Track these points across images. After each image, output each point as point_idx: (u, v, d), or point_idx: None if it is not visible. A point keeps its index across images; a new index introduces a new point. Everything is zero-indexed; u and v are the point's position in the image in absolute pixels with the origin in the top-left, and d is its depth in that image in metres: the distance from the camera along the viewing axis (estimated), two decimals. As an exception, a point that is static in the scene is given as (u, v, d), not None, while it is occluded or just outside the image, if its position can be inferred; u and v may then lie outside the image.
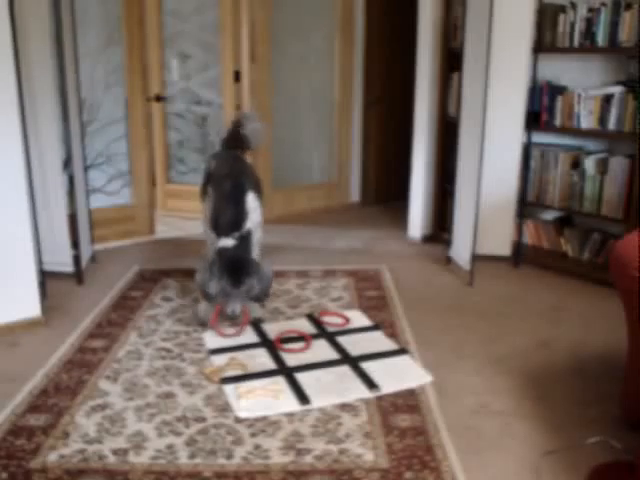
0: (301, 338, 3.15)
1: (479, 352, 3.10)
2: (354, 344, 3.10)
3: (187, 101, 5.53)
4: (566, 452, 2.29)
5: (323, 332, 3.25)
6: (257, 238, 3.34)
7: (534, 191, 4.32)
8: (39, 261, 3.55)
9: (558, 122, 4.15)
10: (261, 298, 3.28)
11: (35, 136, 3.68)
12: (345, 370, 2.86)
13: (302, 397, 2.61)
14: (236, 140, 3.70)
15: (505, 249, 4.32)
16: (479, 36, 3.81)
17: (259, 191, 3.45)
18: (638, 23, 3.65)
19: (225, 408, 2.56)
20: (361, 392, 2.67)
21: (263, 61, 5.20)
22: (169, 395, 2.65)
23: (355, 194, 6.12)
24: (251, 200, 3.25)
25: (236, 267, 3.09)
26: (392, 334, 3.25)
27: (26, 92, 3.46)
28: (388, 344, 3.13)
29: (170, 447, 2.30)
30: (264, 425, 2.44)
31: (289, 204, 5.63)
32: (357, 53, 5.79)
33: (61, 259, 3.92)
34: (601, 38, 3.84)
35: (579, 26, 3.92)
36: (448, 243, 4.42)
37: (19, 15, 3.32)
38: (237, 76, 5.16)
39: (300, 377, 2.77)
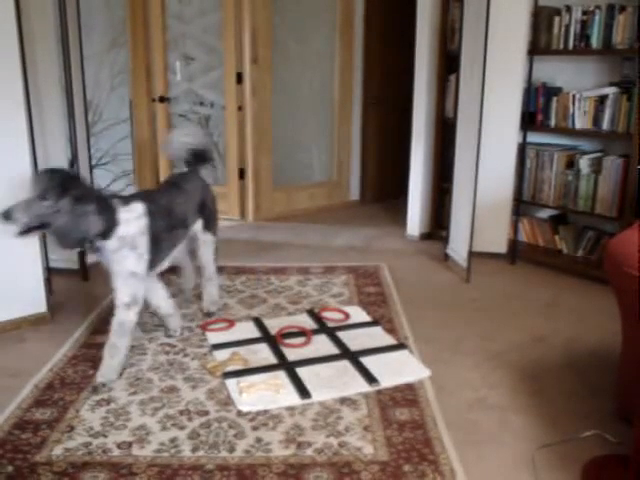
0: (302, 333, 3.19)
1: (476, 347, 3.14)
2: (354, 339, 3.13)
3: (190, 102, 5.57)
4: (561, 445, 2.32)
5: (323, 327, 3.29)
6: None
7: (530, 190, 4.37)
8: (45, 258, 3.59)
9: (553, 122, 4.19)
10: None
11: (42, 136, 3.72)
12: (345, 365, 2.89)
13: (303, 391, 2.64)
14: (197, 157, 3.37)
15: (501, 246, 4.36)
16: (476, 38, 3.85)
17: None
18: (632, 26, 3.69)
19: (227, 402, 2.58)
20: (361, 386, 2.70)
21: (264, 62, 5.24)
22: (172, 389, 2.68)
23: (355, 193, 6.16)
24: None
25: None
26: (391, 329, 3.28)
27: (33, 93, 3.48)
28: (387, 339, 3.16)
29: (173, 440, 2.32)
30: (265, 419, 2.47)
31: (290, 202, 5.68)
32: (357, 54, 5.83)
33: (67, 256, 3.94)
34: (595, 40, 3.88)
35: (574, 28, 3.96)
36: (446, 240, 4.46)
37: (25, 18, 3.36)
38: (239, 77, 5.21)
39: (301, 371, 2.80)
